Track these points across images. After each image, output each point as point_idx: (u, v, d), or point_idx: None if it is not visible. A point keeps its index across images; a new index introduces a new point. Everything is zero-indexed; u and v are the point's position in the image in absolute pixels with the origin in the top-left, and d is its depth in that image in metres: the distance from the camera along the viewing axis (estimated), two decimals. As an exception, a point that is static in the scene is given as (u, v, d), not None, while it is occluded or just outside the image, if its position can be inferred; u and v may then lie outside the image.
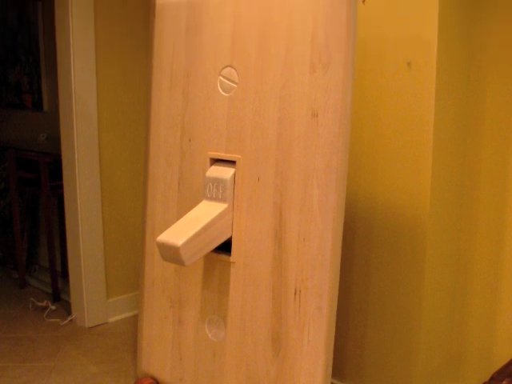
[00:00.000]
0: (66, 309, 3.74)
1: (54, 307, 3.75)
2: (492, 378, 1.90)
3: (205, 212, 2.10)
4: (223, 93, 2.13)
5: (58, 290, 3.94)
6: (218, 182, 2.11)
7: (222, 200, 2.11)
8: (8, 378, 2.86)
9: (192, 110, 2.23)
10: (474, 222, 2.41)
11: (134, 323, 3.57)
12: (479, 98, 2.34)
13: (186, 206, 2.27)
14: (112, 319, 3.64)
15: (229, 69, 2.11)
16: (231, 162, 2.12)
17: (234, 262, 2.13)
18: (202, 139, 2.21)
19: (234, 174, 2.10)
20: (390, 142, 2.35)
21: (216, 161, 2.17)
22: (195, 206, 2.20)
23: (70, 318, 3.58)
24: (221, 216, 2.08)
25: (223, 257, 2.15)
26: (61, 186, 3.65)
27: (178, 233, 2.02)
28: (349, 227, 2.53)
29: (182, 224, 2.07)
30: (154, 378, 2.50)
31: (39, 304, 3.80)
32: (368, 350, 2.54)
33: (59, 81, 3.38)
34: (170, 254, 2.01)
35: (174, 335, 2.38)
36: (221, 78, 2.14)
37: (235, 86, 2.09)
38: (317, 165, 1.90)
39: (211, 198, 2.14)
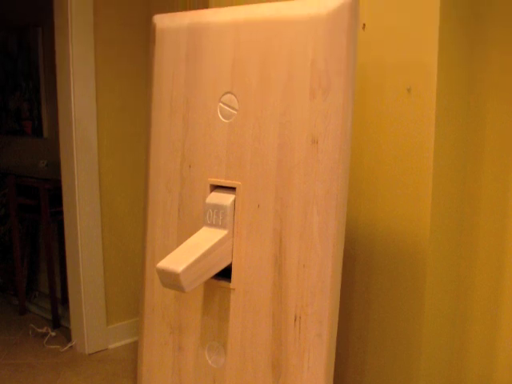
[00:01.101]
0: (66, 335, 3.73)
1: (53, 333, 3.74)
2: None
3: (205, 238, 2.09)
4: (223, 119, 2.14)
5: (58, 317, 3.93)
6: (218, 208, 2.11)
7: (222, 226, 2.11)
8: (7, 405, 2.85)
9: (192, 136, 2.24)
10: (474, 248, 2.41)
11: (134, 349, 3.56)
12: (479, 124, 2.35)
13: (186, 232, 2.27)
14: (112, 346, 3.63)
15: (229, 95, 2.12)
16: (231, 189, 2.12)
17: (233, 289, 2.12)
18: (202, 165, 2.21)
19: (234, 201, 2.10)
20: (390, 168, 2.35)
21: (216, 187, 2.17)
22: (195, 232, 2.20)
23: (70, 345, 3.57)
24: (221, 242, 2.08)
25: (223, 283, 2.15)
26: (61, 212, 3.65)
27: (177, 259, 2.02)
28: (349, 254, 2.53)
29: (181, 250, 2.07)
30: (153, 406, 2.49)
31: (39, 330, 3.79)
32: (368, 377, 2.53)
33: (59, 107, 3.39)
34: (170, 280, 2.00)
35: (174, 361, 2.37)
36: (221, 104, 2.14)
37: (235, 112, 2.10)
38: (317, 191, 1.90)
39: (211, 225, 2.14)
